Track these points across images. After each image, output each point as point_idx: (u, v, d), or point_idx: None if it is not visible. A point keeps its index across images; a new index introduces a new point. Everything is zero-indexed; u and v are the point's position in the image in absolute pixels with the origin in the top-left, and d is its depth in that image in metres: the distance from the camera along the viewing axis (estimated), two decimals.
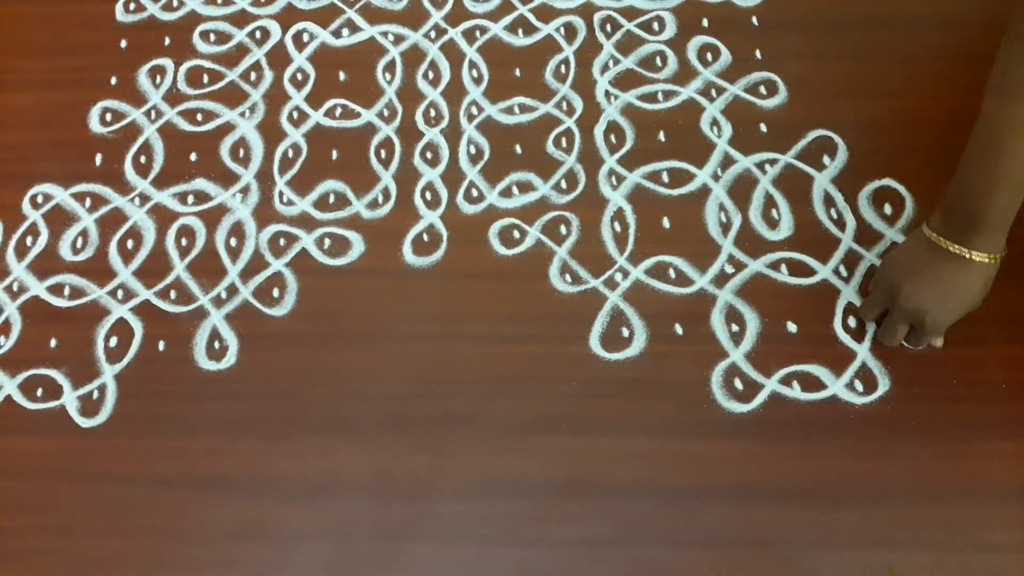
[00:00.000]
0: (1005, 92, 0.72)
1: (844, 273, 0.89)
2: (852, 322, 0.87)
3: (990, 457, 0.82)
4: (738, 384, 0.85)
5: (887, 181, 0.94)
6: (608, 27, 1.04)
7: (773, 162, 0.95)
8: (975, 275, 0.79)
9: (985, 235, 0.77)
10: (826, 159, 0.95)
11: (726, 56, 1.02)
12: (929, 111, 0.97)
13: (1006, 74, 0.71)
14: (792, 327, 0.88)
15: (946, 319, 0.82)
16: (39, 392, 0.88)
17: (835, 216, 0.92)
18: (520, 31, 1.05)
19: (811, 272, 0.90)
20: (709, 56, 1.02)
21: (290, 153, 0.98)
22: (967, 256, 0.77)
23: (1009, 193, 0.75)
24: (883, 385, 0.85)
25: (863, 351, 0.86)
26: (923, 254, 0.80)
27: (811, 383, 0.85)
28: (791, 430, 0.83)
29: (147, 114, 1.01)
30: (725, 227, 0.92)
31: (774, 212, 0.93)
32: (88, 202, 0.97)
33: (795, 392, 0.85)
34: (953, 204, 0.79)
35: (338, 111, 1.01)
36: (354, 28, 1.06)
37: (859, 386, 0.85)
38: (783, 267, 0.90)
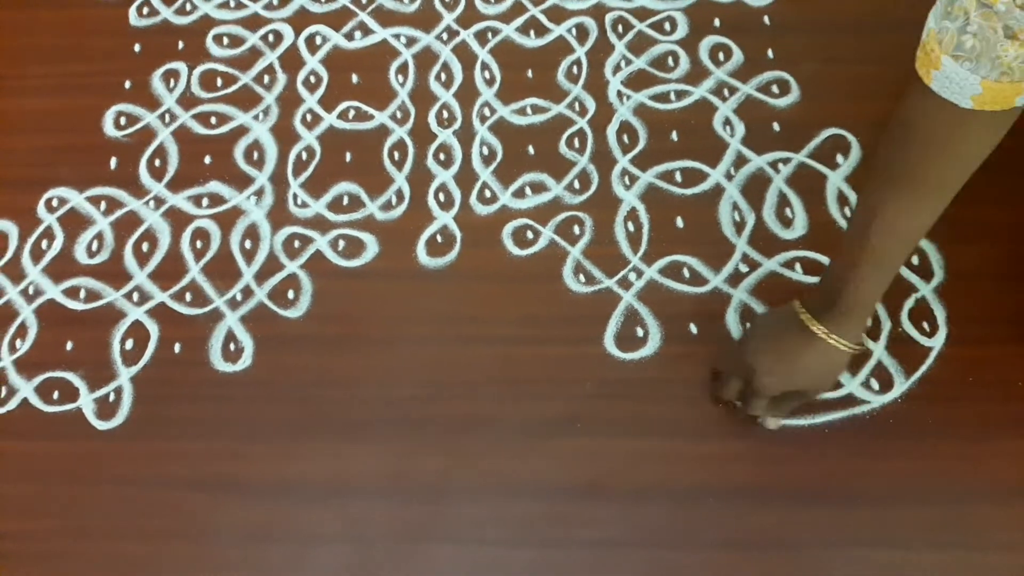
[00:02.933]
0: (882, 180, 0.69)
1: None
2: (868, 321, 0.87)
3: (1006, 456, 0.82)
4: None
5: None
6: (620, 27, 1.04)
7: (786, 161, 0.95)
8: (818, 353, 0.76)
9: (840, 316, 0.74)
10: (839, 158, 0.95)
11: (738, 56, 1.02)
12: None
13: (885, 161, 0.69)
14: None
15: (772, 384, 0.78)
16: (55, 395, 0.88)
17: (849, 215, 0.92)
18: (532, 32, 1.05)
19: None
20: (721, 56, 1.02)
21: (304, 155, 0.99)
22: (817, 332, 0.75)
23: (868, 277, 0.73)
24: (899, 384, 0.84)
25: (879, 349, 0.86)
26: (784, 320, 0.78)
27: None
28: (806, 429, 0.83)
29: (161, 117, 1.02)
30: (739, 226, 0.92)
31: (788, 211, 0.92)
32: (103, 205, 0.97)
33: None
34: (822, 280, 0.78)
35: (351, 113, 1.01)
36: (366, 31, 1.06)
37: (875, 384, 0.84)
38: (797, 266, 0.90)
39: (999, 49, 0.56)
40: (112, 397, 0.88)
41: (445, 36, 1.05)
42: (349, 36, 1.06)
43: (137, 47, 1.07)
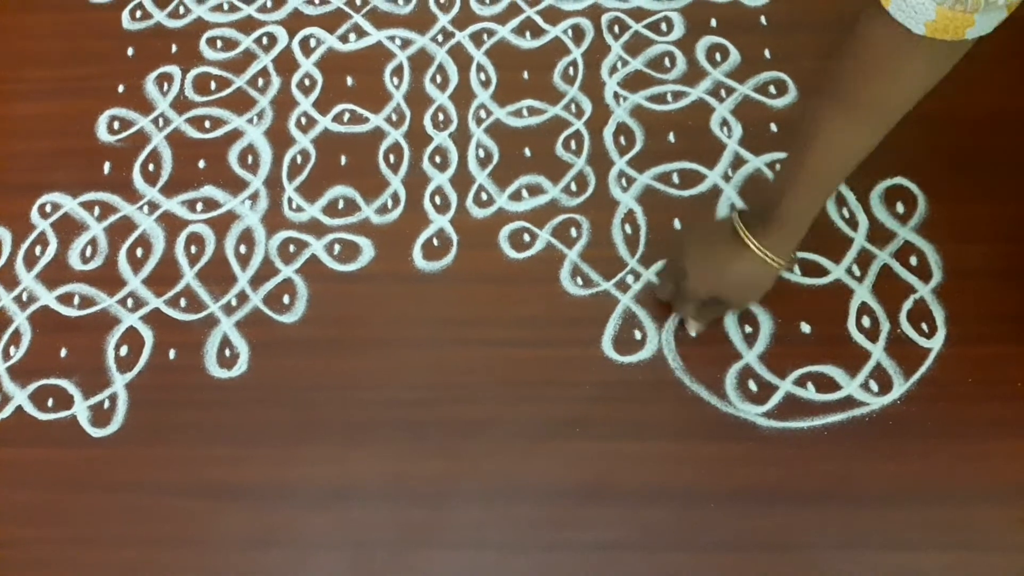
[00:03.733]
0: (828, 97, 0.70)
1: (857, 273, 0.89)
2: (866, 322, 0.87)
3: (1008, 457, 0.81)
4: (752, 386, 0.85)
5: (899, 180, 0.93)
6: (616, 28, 1.04)
7: None
8: (746, 265, 0.78)
9: (773, 231, 0.76)
10: None
11: (735, 56, 1.01)
12: (941, 109, 0.95)
13: (833, 79, 0.70)
14: (806, 327, 0.87)
15: (699, 289, 0.81)
16: (50, 402, 0.87)
17: (847, 215, 0.92)
18: (528, 33, 1.05)
19: (824, 272, 0.89)
20: (718, 56, 1.02)
21: (299, 159, 0.98)
22: (748, 244, 0.77)
23: (803, 193, 0.74)
24: (898, 385, 0.84)
25: (878, 351, 0.85)
26: (720, 229, 0.80)
27: (826, 384, 0.85)
28: (806, 432, 0.83)
29: (155, 122, 1.01)
30: None
31: None
32: (97, 211, 0.96)
33: (810, 393, 0.84)
34: (763, 192, 0.79)
35: (346, 116, 1.00)
36: (361, 33, 1.06)
37: (874, 386, 0.84)
38: (796, 267, 0.90)
39: None
40: (107, 404, 0.87)
41: (440, 38, 1.05)
42: (343, 38, 1.05)
43: (130, 51, 1.06)
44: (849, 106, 0.69)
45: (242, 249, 0.94)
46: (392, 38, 1.05)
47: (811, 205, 0.76)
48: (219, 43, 1.06)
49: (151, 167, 0.98)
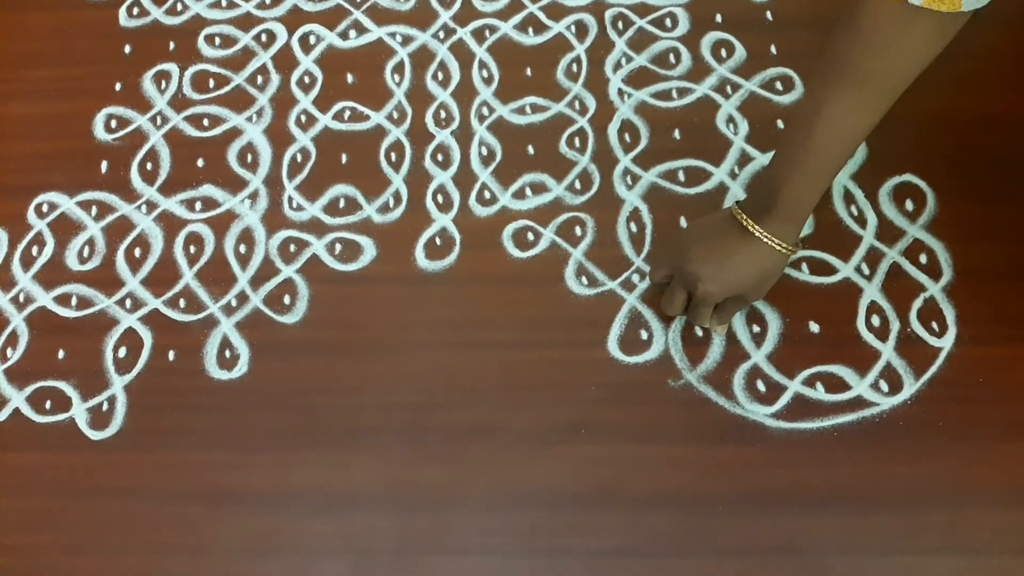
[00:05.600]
0: (827, 76, 0.71)
1: (866, 271, 0.88)
2: (876, 321, 0.86)
3: (1019, 458, 0.80)
4: (761, 386, 0.84)
5: (908, 177, 0.92)
6: (620, 24, 1.03)
7: None
8: (757, 256, 0.78)
9: (778, 218, 0.76)
10: None
11: (741, 52, 1.00)
12: (949, 106, 0.95)
13: (831, 58, 0.70)
14: (814, 327, 0.86)
15: (716, 291, 0.79)
16: (47, 405, 0.86)
17: (856, 213, 0.90)
18: (530, 30, 1.03)
19: (833, 271, 0.88)
20: (723, 52, 1.00)
21: (299, 157, 0.97)
22: (755, 233, 0.77)
23: (807, 177, 0.75)
24: (909, 385, 0.83)
25: (888, 351, 0.84)
26: (720, 224, 0.80)
27: (835, 384, 0.83)
28: (815, 433, 0.82)
29: (153, 120, 1.00)
30: None
31: None
32: (94, 210, 0.95)
33: (819, 393, 0.83)
34: (759, 180, 0.78)
35: (347, 114, 0.99)
36: (361, 29, 1.04)
37: (884, 386, 0.83)
38: (804, 266, 0.88)
39: None
40: (105, 406, 0.86)
41: (442, 34, 1.04)
42: (344, 35, 1.04)
43: (127, 48, 1.05)
44: (848, 83, 0.69)
45: (242, 249, 0.92)
46: (393, 35, 1.04)
47: (815, 188, 0.76)
48: (217, 40, 1.05)
49: (149, 166, 0.97)
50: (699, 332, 0.86)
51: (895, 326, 0.85)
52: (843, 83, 0.70)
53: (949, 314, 0.86)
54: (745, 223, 0.77)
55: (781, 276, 0.85)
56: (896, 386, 0.83)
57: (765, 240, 0.77)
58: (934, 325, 0.85)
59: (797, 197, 0.76)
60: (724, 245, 0.79)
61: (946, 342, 0.85)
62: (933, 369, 0.84)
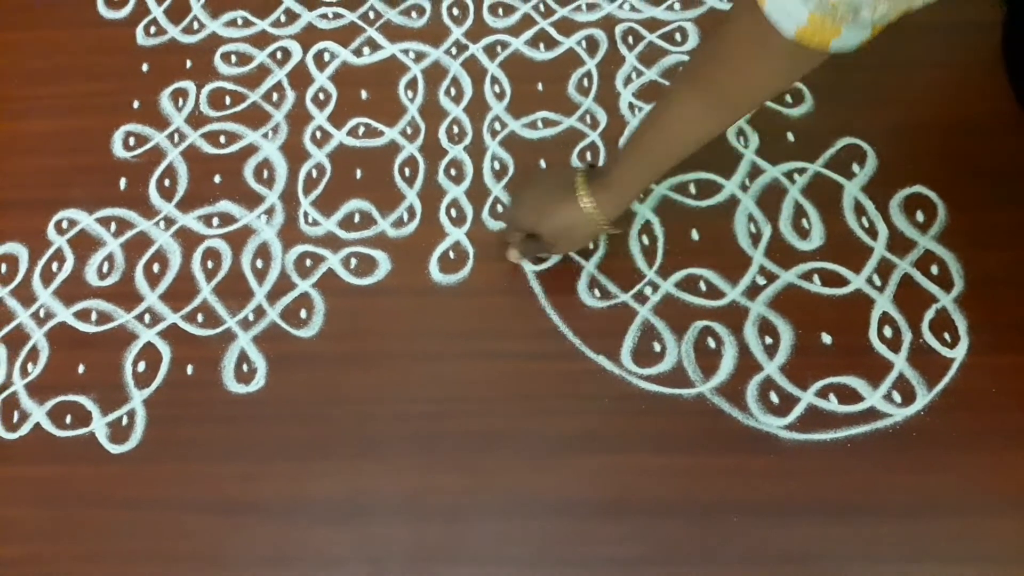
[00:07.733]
0: (683, 77, 0.73)
1: (878, 282, 0.88)
2: (888, 332, 0.86)
3: None
4: (774, 397, 0.84)
5: (918, 188, 0.92)
6: (630, 39, 1.04)
7: (802, 171, 0.94)
8: (573, 214, 0.81)
9: (604, 190, 0.79)
10: (855, 167, 0.94)
11: None
12: (958, 116, 0.95)
13: (692, 61, 0.73)
14: (827, 338, 0.86)
15: (521, 219, 0.85)
16: (68, 419, 0.88)
17: (867, 225, 0.91)
18: (541, 45, 1.04)
19: (844, 282, 0.89)
20: None
21: (314, 173, 0.98)
22: (579, 195, 0.80)
23: (638, 163, 0.77)
24: (921, 396, 0.83)
25: (900, 361, 0.85)
26: (562, 175, 0.83)
27: (848, 395, 0.84)
28: (829, 444, 0.82)
29: (170, 137, 1.01)
30: (755, 238, 0.91)
31: (804, 222, 0.91)
32: (113, 226, 0.96)
33: (832, 404, 0.84)
34: (614, 155, 0.82)
35: (361, 130, 1.00)
36: (375, 46, 1.05)
37: (897, 397, 0.83)
38: (816, 277, 0.89)
39: None
40: (125, 420, 0.87)
41: (454, 51, 1.05)
42: (357, 52, 1.05)
43: (145, 66, 1.06)
44: (700, 89, 0.71)
45: (258, 264, 0.94)
46: (406, 51, 1.05)
47: (641, 176, 0.79)
48: (233, 58, 1.06)
49: (167, 182, 0.98)
50: (712, 344, 0.86)
51: (907, 337, 0.86)
52: (694, 88, 0.71)
53: (961, 324, 0.86)
54: (578, 183, 0.80)
55: (791, 288, 0.86)
56: (909, 397, 0.83)
57: (582, 203, 0.79)
58: (946, 335, 0.86)
59: (621, 179, 0.78)
60: (553, 190, 0.82)
61: (958, 352, 0.85)
62: (946, 379, 0.84)
